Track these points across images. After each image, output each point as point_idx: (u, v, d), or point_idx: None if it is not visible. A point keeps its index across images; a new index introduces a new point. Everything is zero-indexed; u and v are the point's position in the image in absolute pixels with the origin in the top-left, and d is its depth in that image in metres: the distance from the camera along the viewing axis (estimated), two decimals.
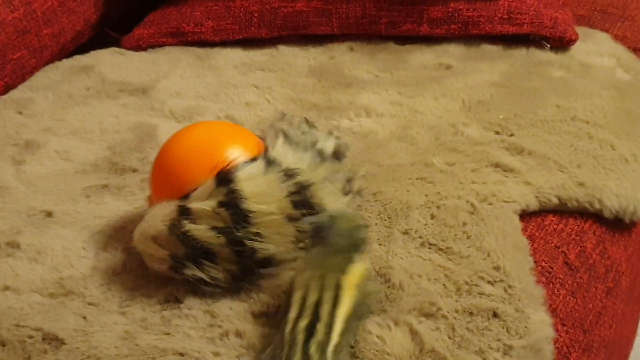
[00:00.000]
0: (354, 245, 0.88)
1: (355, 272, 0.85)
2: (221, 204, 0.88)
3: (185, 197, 0.91)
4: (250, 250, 0.88)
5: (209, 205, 0.88)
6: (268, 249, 0.89)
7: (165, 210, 0.91)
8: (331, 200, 0.93)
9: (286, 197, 0.89)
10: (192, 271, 0.89)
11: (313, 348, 0.78)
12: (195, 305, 0.90)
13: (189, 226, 0.89)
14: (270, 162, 0.92)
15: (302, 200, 0.90)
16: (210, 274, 0.89)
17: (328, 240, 0.88)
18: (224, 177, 0.90)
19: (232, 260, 0.89)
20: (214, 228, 0.88)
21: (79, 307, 0.92)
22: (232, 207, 0.88)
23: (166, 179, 0.95)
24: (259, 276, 0.91)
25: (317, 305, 0.82)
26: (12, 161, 1.20)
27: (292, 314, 0.82)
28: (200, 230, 0.88)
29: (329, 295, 0.82)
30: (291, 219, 0.89)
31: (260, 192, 0.89)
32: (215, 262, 0.89)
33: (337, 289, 0.83)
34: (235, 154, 0.93)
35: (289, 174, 0.91)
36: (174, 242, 0.89)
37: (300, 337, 0.79)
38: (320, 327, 0.80)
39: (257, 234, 0.88)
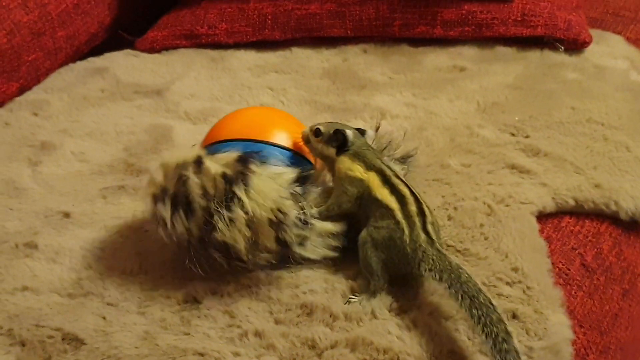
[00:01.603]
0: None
1: None
2: (224, 176, 0.91)
3: (213, 152, 0.94)
4: (211, 227, 0.89)
5: (215, 169, 0.91)
6: (228, 237, 0.89)
7: (191, 151, 0.94)
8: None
9: (275, 209, 0.90)
10: (163, 209, 0.92)
11: (430, 227, 0.90)
12: (214, 305, 0.91)
13: (190, 174, 0.91)
14: (302, 181, 0.93)
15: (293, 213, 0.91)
16: (176, 223, 0.91)
17: (354, 142, 0.94)
18: (245, 158, 0.92)
19: (199, 226, 0.91)
20: (205, 189, 0.90)
21: (98, 307, 0.92)
22: (229, 184, 0.90)
23: (216, 130, 1.01)
24: (209, 257, 0.91)
25: (409, 190, 0.92)
26: (29, 162, 1.21)
27: (394, 204, 0.90)
28: (195, 183, 0.91)
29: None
30: (273, 224, 0.90)
31: (260, 189, 0.90)
32: (188, 218, 0.90)
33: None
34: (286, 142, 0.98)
35: (296, 196, 0.91)
36: (172, 178, 0.92)
37: (417, 221, 0.89)
38: (426, 208, 0.91)
39: (231, 220, 0.89)
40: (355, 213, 0.93)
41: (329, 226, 0.92)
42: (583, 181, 1.08)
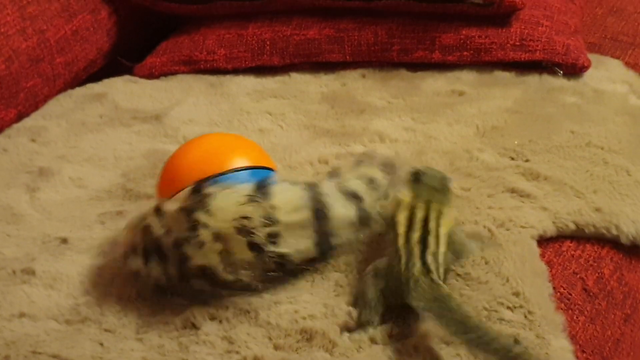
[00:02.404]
0: (446, 189, 0.99)
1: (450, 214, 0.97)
2: (183, 209, 0.92)
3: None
4: (185, 258, 0.90)
5: (174, 207, 0.92)
6: (201, 258, 0.90)
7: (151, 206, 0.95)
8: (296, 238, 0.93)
9: (239, 218, 0.90)
10: (134, 262, 0.94)
11: (429, 258, 0.89)
12: (212, 331, 0.90)
13: (151, 221, 0.92)
14: (260, 187, 0.94)
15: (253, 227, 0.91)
16: (151, 270, 0.92)
17: (425, 181, 0.99)
18: (198, 187, 0.93)
19: (174, 265, 0.91)
20: (169, 228, 0.91)
21: (95, 333, 0.92)
22: (189, 214, 0.91)
23: (169, 183, 1.00)
24: (192, 290, 0.92)
25: (425, 221, 0.93)
26: (27, 188, 1.20)
27: (402, 229, 0.92)
28: (158, 226, 0.92)
29: (434, 215, 0.94)
30: (240, 231, 0.90)
31: (220, 207, 0.91)
32: (163, 262, 0.91)
33: (440, 212, 0.95)
34: (239, 164, 0.99)
35: (255, 199, 0.92)
36: (138, 233, 0.94)
37: (416, 249, 0.90)
38: (431, 240, 0.92)
39: (200, 243, 0.89)
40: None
41: (295, 217, 0.92)
42: (583, 205, 1.07)
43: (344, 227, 0.95)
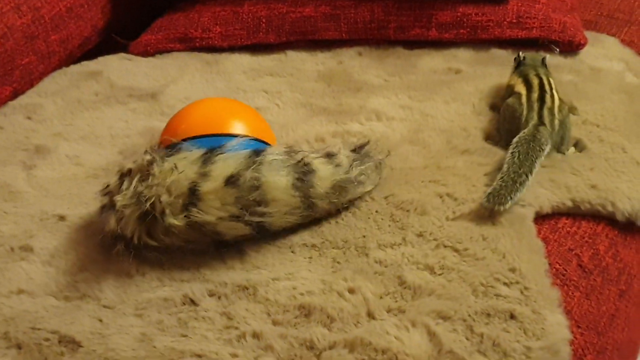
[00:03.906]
0: (546, 65, 1.24)
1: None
2: (148, 162, 0.98)
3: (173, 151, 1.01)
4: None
5: (144, 159, 0.99)
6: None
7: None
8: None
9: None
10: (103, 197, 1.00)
11: (545, 112, 1.12)
12: (211, 307, 0.90)
13: (130, 165, 1.00)
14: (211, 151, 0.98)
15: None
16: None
17: (527, 62, 1.23)
18: (171, 145, 1.00)
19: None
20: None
21: (94, 309, 0.92)
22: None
23: (174, 125, 1.08)
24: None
25: (541, 85, 1.17)
26: (23, 166, 1.20)
27: (523, 91, 1.16)
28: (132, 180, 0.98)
29: (546, 80, 1.18)
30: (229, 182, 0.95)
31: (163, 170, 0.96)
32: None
33: (550, 78, 1.19)
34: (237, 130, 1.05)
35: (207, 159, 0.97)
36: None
37: (536, 105, 1.13)
38: (548, 97, 1.15)
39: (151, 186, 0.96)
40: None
41: (216, 184, 0.95)
42: (579, 182, 1.08)
43: (278, 195, 0.96)
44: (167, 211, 0.94)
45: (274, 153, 0.98)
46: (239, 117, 1.08)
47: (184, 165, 0.96)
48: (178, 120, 1.08)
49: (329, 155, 1.02)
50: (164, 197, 0.95)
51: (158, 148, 1.02)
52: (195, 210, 0.94)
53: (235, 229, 0.95)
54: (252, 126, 1.07)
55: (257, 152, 0.98)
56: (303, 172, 0.98)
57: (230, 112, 1.10)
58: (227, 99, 1.17)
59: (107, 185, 1.01)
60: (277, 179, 0.96)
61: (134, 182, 0.97)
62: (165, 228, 0.95)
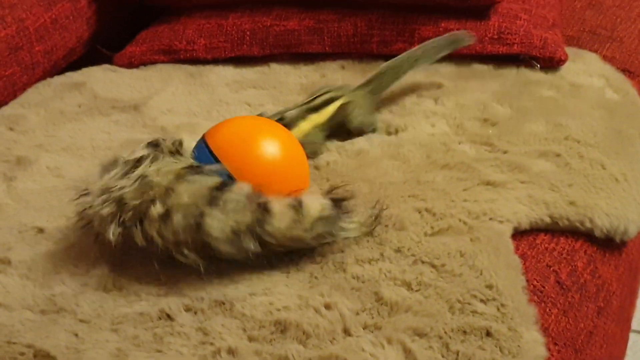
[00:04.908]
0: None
1: None
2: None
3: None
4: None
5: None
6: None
7: None
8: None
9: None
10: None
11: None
12: (187, 322, 0.90)
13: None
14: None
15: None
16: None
17: None
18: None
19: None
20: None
21: (70, 324, 0.92)
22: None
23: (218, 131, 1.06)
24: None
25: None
26: (4, 177, 1.20)
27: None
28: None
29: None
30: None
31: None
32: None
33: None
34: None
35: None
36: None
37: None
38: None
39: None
40: None
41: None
42: (558, 198, 1.08)
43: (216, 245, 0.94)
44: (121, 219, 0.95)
45: (236, 192, 0.95)
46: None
47: (167, 174, 0.96)
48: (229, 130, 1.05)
49: (295, 206, 0.96)
50: (129, 196, 0.95)
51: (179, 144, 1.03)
52: (139, 230, 0.94)
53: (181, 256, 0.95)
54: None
55: (220, 186, 0.95)
56: (258, 220, 0.94)
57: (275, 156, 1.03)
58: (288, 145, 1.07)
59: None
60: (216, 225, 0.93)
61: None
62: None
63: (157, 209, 0.94)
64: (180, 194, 0.94)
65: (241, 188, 0.96)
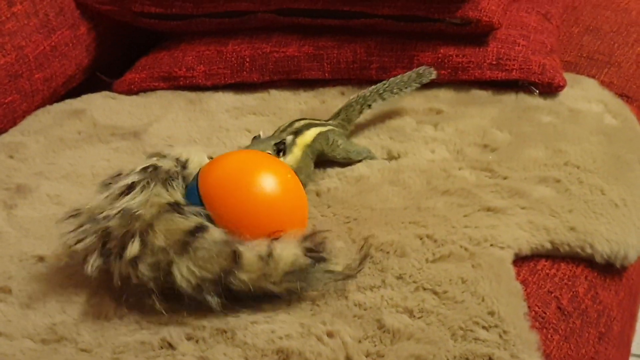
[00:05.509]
0: None
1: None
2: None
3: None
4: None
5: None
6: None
7: None
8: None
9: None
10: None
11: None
12: (189, 351, 0.90)
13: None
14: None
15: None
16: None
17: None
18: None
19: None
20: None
21: (71, 353, 0.92)
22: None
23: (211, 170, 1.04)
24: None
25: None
26: (4, 205, 1.20)
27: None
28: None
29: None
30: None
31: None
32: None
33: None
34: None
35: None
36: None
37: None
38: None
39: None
40: None
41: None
42: (558, 224, 1.08)
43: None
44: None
45: (208, 239, 0.94)
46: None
47: (152, 206, 0.96)
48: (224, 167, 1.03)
49: (264, 258, 0.94)
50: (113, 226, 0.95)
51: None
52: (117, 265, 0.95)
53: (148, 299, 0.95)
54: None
55: (195, 230, 0.95)
56: (225, 271, 0.93)
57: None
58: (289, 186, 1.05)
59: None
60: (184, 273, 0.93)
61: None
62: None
63: (133, 249, 0.94)
64: (157, 235, 0.94)
65: (213, 235, 0.95)
